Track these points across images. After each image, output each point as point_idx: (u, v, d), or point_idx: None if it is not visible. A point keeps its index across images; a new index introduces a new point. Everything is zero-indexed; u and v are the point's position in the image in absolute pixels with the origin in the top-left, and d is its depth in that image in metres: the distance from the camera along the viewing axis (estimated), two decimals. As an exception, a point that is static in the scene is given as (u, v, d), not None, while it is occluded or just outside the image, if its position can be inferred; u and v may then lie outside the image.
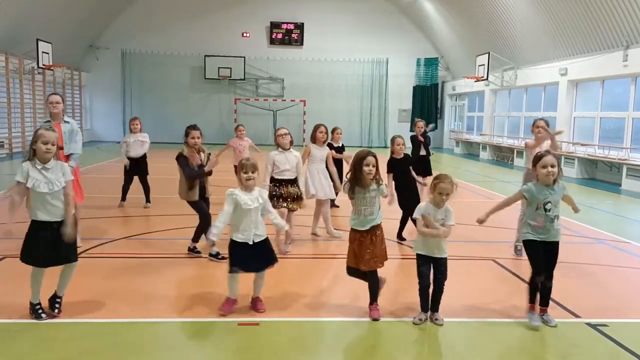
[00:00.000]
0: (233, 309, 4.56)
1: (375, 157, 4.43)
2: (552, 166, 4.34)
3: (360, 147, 26.69)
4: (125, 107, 26.41)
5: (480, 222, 4.56)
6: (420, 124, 9.02)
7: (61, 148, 6.25)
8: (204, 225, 6.06)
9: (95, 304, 4.63)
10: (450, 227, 4.38)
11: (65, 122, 6.34)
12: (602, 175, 15.43)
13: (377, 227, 4.48)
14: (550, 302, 4.96)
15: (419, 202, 7.04)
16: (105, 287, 4.98)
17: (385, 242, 4.56)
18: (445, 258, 4.43)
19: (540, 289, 4.53)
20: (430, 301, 4.44)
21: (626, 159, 14.04)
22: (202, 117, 24.51)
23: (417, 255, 4.47)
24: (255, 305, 4.63)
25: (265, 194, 4.70)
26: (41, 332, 4.12)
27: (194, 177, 6.05)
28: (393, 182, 7.08)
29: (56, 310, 4.40)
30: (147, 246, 6.82)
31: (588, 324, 4.51)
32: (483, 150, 22.59)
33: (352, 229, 4.51)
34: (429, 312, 4.47)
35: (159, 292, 5.04)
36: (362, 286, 4.71)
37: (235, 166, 9.54)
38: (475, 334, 4.36)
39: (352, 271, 4.56)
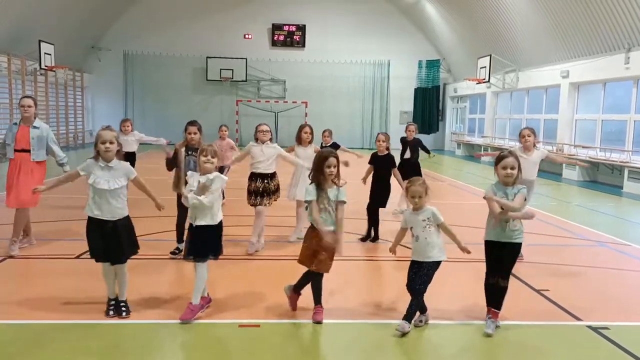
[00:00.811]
0: (204, 307, 4.54)
1: (337, 157, 4.43)
2: (512, 168, 4.33)
3: (362, 149, 26.76)
4: (127, 108, 26.44)
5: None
6: (412, 127, 9.26)
7: (27, 151, 6.19)
8: (179, 222, 6.22)
9: (96, 305, 4.63)
10: (444, 225, 4.31)
11: (35, 127, 6.24)
12: (603, 177, 15.41)
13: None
14: (551, 304, 4.97)
15: (384, 201, 7.27)
16: (104, 288, 4.98)
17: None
18: (428, 262, 4.29)
19: (495, 288, 4.40)
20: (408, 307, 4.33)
21: (628, 162, 14.02)
22: (204, 118, 24.23)
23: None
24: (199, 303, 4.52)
25: (216, 175, 4.48)
26: (42, 333, 4.12)
27: (167, 165, 6.22)
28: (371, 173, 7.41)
29: (123, 314, 4.44)
30: (148, 247, 6.81)
31: (589, 326, 4.49)
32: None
33: (311, 226, 4.49)
34: (427, 313, 4.47)
35: (159, 293, 5.04)
36: (364, 288, 4.71)
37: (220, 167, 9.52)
38: (474, 337, 4.35)
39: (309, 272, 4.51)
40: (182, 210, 6.22)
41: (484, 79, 21.23)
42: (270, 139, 6.62)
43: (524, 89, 20.40)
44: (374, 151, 7.51)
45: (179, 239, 6.29)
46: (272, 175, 6.59)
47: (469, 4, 21.28)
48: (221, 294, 4.93)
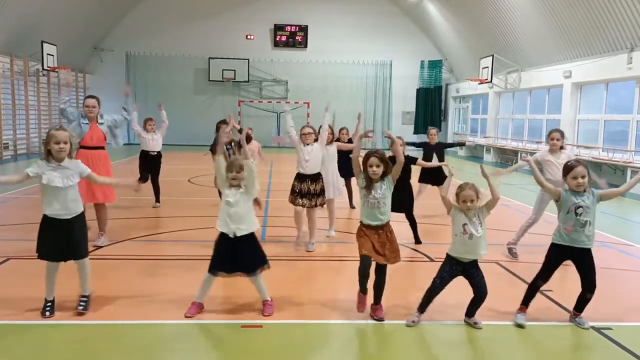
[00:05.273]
0: (197, 312, 4.52)
1: (377, 156, 4.53)
2: (583, 177, 4.55)
3: (364, 149, 26.72)
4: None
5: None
6: (433, 131, 9.28)
7: (102, 147, 6.69)
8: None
9: (98, 305, 4.64)
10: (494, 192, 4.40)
11: (100, 123, 6.81)
12: (606, 177, 15.32)
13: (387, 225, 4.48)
14: (553, 305, 4.97)
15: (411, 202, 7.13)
16: (108, 288, 4.99)
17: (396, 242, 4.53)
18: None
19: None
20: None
21: (630, 162, 13.98)
22: (207, 119, 24.53)
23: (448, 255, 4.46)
24: (263, 308, 4.61)
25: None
26: (45, 333, 4.13)
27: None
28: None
29: (80, 308, 4.46)
30: (151, 248, 6.84)
31: (592, 327, 4.49)
32: (487, 153, 22.55)
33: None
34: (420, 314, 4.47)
35: (162, 294, 5.04)
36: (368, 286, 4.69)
37: None
38: (478, 337, 4.34)
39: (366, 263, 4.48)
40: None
41: (487, 79, 21.20)
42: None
43: (527, 89, 20.37)
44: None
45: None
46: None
47: (471, 4, 21.27)
48: (224, 295, 4.93)
